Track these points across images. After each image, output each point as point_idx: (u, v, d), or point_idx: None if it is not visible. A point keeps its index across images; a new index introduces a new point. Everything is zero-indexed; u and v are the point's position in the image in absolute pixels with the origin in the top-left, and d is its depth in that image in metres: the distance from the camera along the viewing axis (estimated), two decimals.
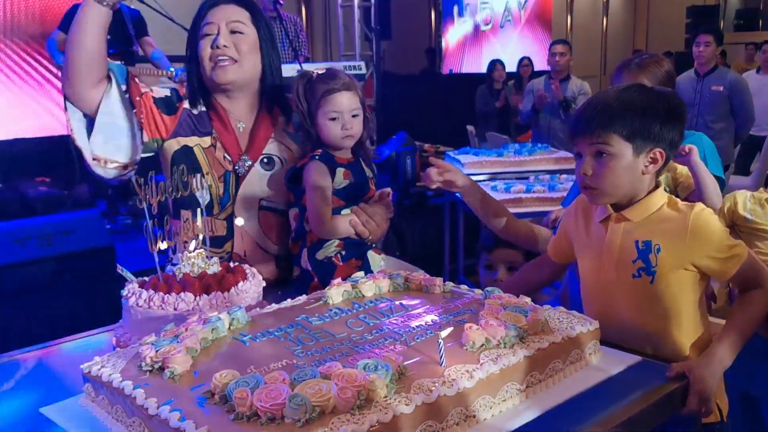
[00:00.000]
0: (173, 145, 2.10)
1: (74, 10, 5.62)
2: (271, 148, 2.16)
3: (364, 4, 8.05)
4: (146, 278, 1.74)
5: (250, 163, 2.13)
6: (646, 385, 1.40)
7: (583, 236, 1.71)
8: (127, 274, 1.73)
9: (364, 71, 6.63)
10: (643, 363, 1.47)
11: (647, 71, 2.42)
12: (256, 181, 2.13)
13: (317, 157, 1.96)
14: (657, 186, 1.62)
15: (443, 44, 11.71)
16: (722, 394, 1.67)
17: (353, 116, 1.97)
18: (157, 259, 1.70)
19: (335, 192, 1.97)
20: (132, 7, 5.58)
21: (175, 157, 2.10)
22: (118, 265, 1.76)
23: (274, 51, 2.16)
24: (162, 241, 1.71)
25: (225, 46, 2.03)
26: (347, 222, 1.97)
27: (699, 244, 1.54)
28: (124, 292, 1.67)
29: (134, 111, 2.05)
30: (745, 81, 5.46)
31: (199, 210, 1.80)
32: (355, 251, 2.01)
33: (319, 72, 1.98)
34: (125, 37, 5.50)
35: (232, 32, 2.05)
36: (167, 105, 2.12)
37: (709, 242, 1.54)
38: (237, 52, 2.05)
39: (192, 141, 2.11)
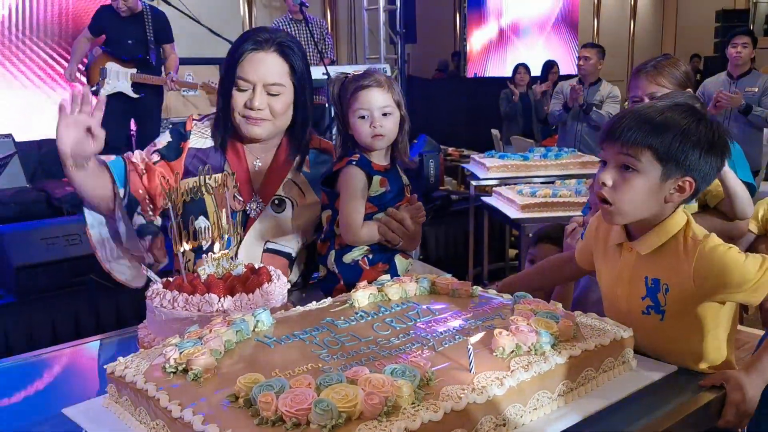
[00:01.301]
0: (181, 186, 2.00)
1: (102, 11, 5.69)
2: (284, 189, 2.10)
3: (390, 7, 8.05)
4: (171, 279, 1.73)
5: (262, 206, 2.08)
6: (682, 396, 1.36)
7: (601, 253, 1.63)
8: (152, 275, 1.72)
9: (388, 74, 6.62)
10: (679, 372, 1.42)
11: (664, 73, 2.38)
12: (265, 223, 2.08)
13: (354, 162, 1.90)
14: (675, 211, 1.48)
15: (468, 48, 11.66)
16: None
17: (384, 114, 1.89)
18: (182, 260, 1.69)
19: (370, 199, 1.91)
20: (159, 7, 5.61)
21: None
22: (143, 266, 1.75)
23: (309, 98, 2.08)
24: (186, 242, 1.70)
25: (260, 108, 1.97)
26: (374, 232, 1.92)
27: (710, 285, 1.41)
28: (148, 293, 1.65)
29: (138, 209, 2.01)
30: None
31: (224, 211, 1.79)
32: (383, 256, 1.97)
33: (356, 74, 1.93)
34: (144, 43, 5.53)
35: (269, 93, 1.98)
36: (170, 150, 2.06)
37: (722, 283, 1.40)
38: (271, 114, 2.00)
39: (202, 179, 2.00)
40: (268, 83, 1.97)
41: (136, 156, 2.06)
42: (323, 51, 6.21)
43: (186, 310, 1.58)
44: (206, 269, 1.71)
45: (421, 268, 2.10)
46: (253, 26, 9.09)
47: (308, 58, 6.86)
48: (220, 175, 2.03)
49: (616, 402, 1.29)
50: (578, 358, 1.28)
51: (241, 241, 2.07)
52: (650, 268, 1.48)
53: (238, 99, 1.98)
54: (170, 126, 2.17)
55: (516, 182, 4.66)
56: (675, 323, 1.47)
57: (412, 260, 2.08)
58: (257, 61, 1.96)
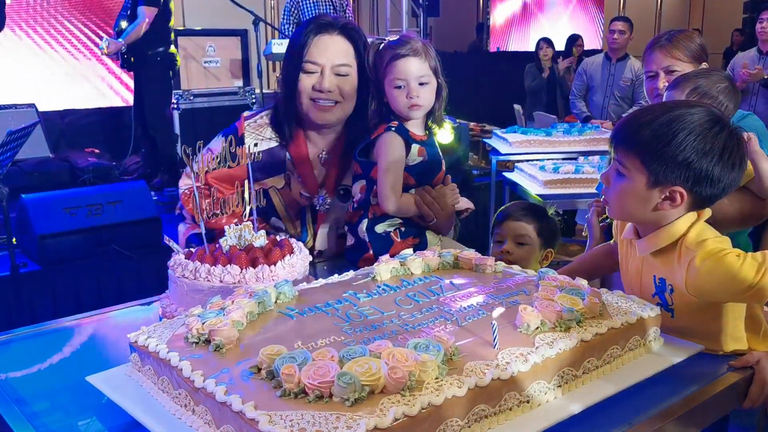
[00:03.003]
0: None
1: None
2: (348, 178, 2.09)
3: None
4: (193, 249, 1.73)
5: (329, 198, 2.08)
6: (708, 376, 1.35)
7: (621, 243, 1.61)
8: (174, 245, 1.72)
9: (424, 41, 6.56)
10: (705, 353, 1.40)
11: (680, 46, 2.33)
12: (334, 214, 2.09)
13: (393, 129, 1.87)
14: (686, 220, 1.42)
15: (491, 21, 11.50)
16: None
17: (420, 84, 1.85)
18: (203, 230, 1.69)
19: (407, 168, 1.89)
20: None
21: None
22: (165, 236, 1.75)
23: (370, 82, 2.03)
24: (209, 214, 1.70)
25: (330, 90, 1.96)
26: (412, 206, 1.91)
27: (707, 296, 1.38)
28: (171, 263, 1.66)
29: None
30: None
31: (246, 181, 1.78)
32: (415, 230, 1.96)
33: (391, 39, 1.89)
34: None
35: (337, 74, 1.97)
36: (228, 157, 2.03)
37: (719, 292, 1.37)
38: (341, 95, 1.98)
39: (266, 184, 2.01)
40: (335, 64, 1.96)
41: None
42: None
43: (208, 281, 1.58)
44: (228, 240, 1.71)
45: (450, 244, 2.08)
46: None
47: None
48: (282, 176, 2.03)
49: (642, 380, 1.27)
50: (604, 336, 1.26)
51: (315, 235, 2.10)
52: (656, 267, 1.46)
53: (306, 82, 1.97)
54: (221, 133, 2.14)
55: (538, 158, 4.61)
56: (686, 320, 1.44)
57: (443, 238, 2.06)
58: (324, 44, 1.96)
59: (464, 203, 2.10)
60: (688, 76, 2.15)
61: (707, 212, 1.43)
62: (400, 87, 1.85)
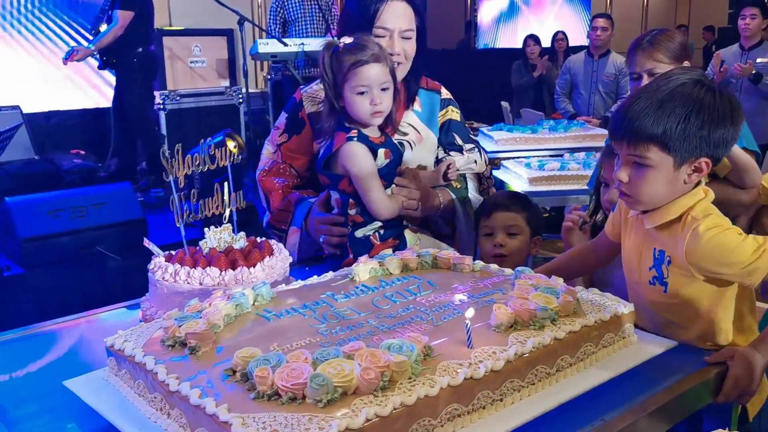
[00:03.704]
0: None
1: None
2: (401, 133, 2.17)
3: None
4: (173, 252, 1.73)
5: None
6: (682, 372, 1.36)
7: (624, 224, 1.63)
8: (154, 248, 1.72)
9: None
10: (679, 348, 1.42)
11: (660, 48, 2.38)
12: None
13: (355, 138, 1.88)
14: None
15: (478, 19, 11.51)
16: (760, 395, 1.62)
17: (383, 90, 1.87)
18: (183, 233, 1.69)
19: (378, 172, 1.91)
20: None
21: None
22: (145, 239, 1.75)
23: (425, 42, 2.18)
24: (189, 216, 1.70)
25: (398, 53, 2.08)
26: (399, 201, 1.94)
27: (701, 264, 1.42)
28: (150, 266, 1.66)
29: None
30: None
31: (225, 183, 1.78)
32: (394, 231, 1.97)
33: (347, 42, 1.90)
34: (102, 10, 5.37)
35: (403, 38, 2.09)
36: (294, 125, 2.20)
37: (713, 262, 1.41)
38: (405, 57, 2.11)
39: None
40: (402, 29, 2.09)
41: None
42: (330, 22, 6.14)
43: (187, 283, 1.58)
44: (208, 243, 1.71)
45: (430, 243, 2.09)
46: None
47: (315, 29, 6.75)
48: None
49: (616, 376, 1.28)
50: (578, 334, 1.28)
51: None
52: (658, 240, 1.49)
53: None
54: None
55: (524, 155, 4.62)
56: (677, 296, 1.47)
57: (421, 235, 2.08)
58: (393, 10, 2.08)
59: (441, 165, 2.14)
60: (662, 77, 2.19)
61: (712, 194, 1.48)
62: (362, 93, 1.86)
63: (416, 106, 2.20)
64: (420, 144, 2.18)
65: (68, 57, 5.26)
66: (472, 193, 2.24)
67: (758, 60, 5.13)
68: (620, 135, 1.44)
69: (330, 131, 1.93)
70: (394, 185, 1.96)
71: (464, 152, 2.24)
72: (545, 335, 1.23)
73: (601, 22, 5.85)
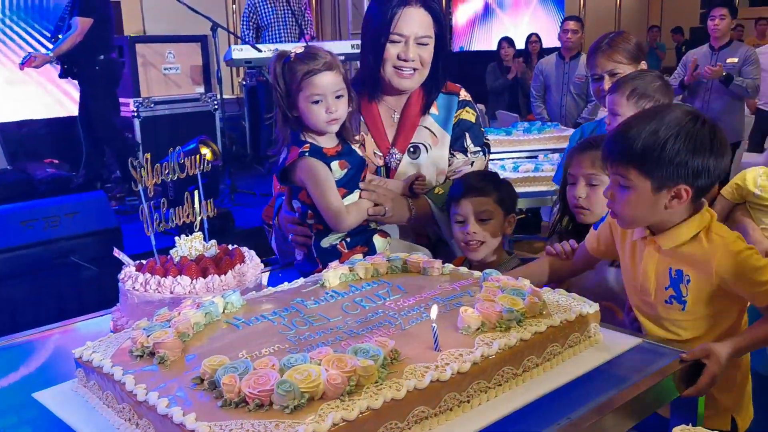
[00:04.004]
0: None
1: None
2: (417, 136, 2.19)
3: None
4: (143, 261, 1.73)
5: (399, 155, 2.18)
6: (646, 369, 1.38)
7: (624, 246, 1.66)
8: (124, 258, 1.72)
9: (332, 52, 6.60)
10: (642, 346, 1.44)
11: (618, 49, 2.47)
12: (404, 171, 2.17)
13: (307, 154, 1.87)
14: (697, 210, 1.51)
15: (453, 21, 11.58)
16: (746, 410, 1.66)
17: (337, 97, 1.87)
18: (154, 242, 1.69)
19: (336, 184, 1.90)
20: None
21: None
22: (115, 249, 1.75)
23: (446, 48, 2.20)
24: (159, 224, 1.70)
25: (413, 60, 2.10)
26: (362, 212, 1.93)
27: (730, 280, 1.47)
28: (121, 276, 1.66)
29: None
30: (757, 54, 5.35)
31: (196, 192, 1.78)
32: (361, 238, 1.97)
33: (298, 52, 1.90)
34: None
35: (419, 44, 2.10)
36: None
37: (741, 281, 1.46)
38: (420, 64, 2.12)
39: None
40: (419, 36, 2.09)
41: None
42: (304, 27, 6.15)
43: (158, 292, 1.58)
44: (179, 251, 1.72)
45: (400, 247, 2.10)
46: (235, 2, 9.00)
47: (288, 34, 6.75)
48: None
49: (581, 375, 1.31)
50: (543, 334, 1.30)
51: None
52: (675, 260, 1.52)
53: (392, 51, 2.10)
54: None
55: (499, 157, 4.66)
56: (695, 315, 1.52)
57: (391, 239, 2.08)
58: (409, 17, 2.08)
59: (412, 175, 2.14)
60: (626, 79, 2.26)
61: (715, 215, 1.55)
62: (317, 102, 1.85)
63: (433, 109, 2.23)
64: (436, 146, 2.20)
65: (24, 62, 5.20)
66: None
67: (727, 60, 5.22)
68: (606, 155, 1.51)
69: (284, 142, 1.93)
70: (359, 190, 1.96)
71: (468, 154, 2.23)
72: (511, 336, 1.25)
73: (571, 24, 5.93)
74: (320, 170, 1.87)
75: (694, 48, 5.76)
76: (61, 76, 5.41)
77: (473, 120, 2.26)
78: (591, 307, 1.40)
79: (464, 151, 2.23)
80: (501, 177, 2.13)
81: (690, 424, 1.16)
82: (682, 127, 1.42)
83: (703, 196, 1.52)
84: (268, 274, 2.25)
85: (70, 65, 5.23)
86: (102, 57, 5.23)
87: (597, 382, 1.33)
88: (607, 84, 2.45)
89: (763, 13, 10.84)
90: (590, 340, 1.40)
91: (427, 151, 2.19)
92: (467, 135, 2.23)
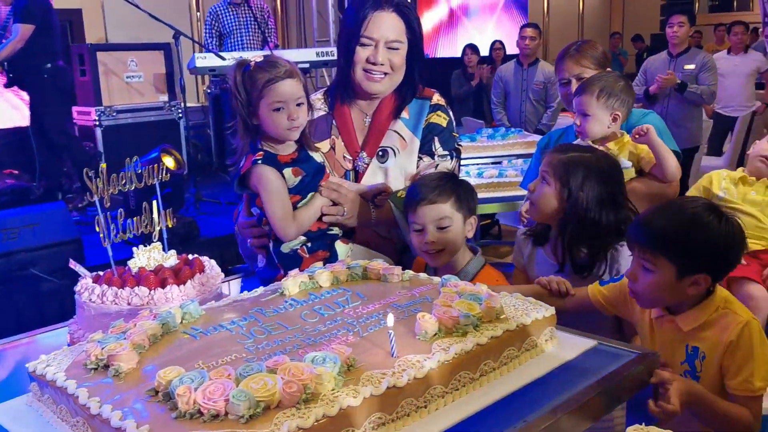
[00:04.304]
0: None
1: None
2: (386, 140, 2.19)
3: None
4: (101, 273, 1.71)
5: (368, 159, 2.18)
6: (601, 371, 1.40)
7: (641, 319, 1.72)
8: (81, 269, 1.70)
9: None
10: (598, 348, 1.47)
11: (586, 55, 2.58)
12: (373, 175, 2.17)
13: (260, 161, 1.88)
14: (709, 293, 1.59)
15: None
16: None
17: (298, 105, 1.89)
18: (111, 253, 1.67)
19: (289, 191, 1.92)
20: None
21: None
22: (71, 260, 1.73)
23: (421, 54, 2.20)
24: (116, 235, 1.69)
25: (381, 63, 2.10)
26: (312, 211, 1.94)
27: (730, 360, 1.54)
28: (77, 288, 1.64)
29: None
30: (714, 61, 5.48)
31: (154, 202, 1.77)
32: (322, 243, 1.98)
33: (257, 60, 1.91)
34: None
35: (389, 48, 2.11)
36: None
37: (738, 365, 1.53)
38: (390, 68, 2.12)
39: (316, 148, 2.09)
40: (389, 40, 2.10)
41: None
42: (268, 35, 6.14)
43: (115, 304, 1.57)
44: (137, 262, 1.70)
45: (362, 253, 2.11)
46: (199, 10, 8.95)
47: (251, 41, 6.72)
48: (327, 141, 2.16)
49: (538, 378, 1.33)
50: (500, 339, 1.31)
51: None
52: (692, 337, 1.60)
53: (362, 54, 2.11)
54: None
55: (463, 163, 4.69)
56: (708, 388, 1.56)
57: (353, 245, 2.09)
58: (380, 20, 2.09)
59: (378, 186, 2.12)
60: (591, 80, 2.32)
61: (630, 172, 1.72)
62: (279, 109, 1.87)
63: (404, 114, 2.22)
64: (404, 151, 2.20)
65: None
66: None
67: (685, 66, 5.32)
68: (635, 239, 1.60)
69: (243, 150, 1.93)
70: (319, 192, 1.97)
71: (435, 157, 2.20)
72: (468, 341, 1.27)
73: (529, 31, 6.06)
74: (270, 179, 1.88)
75: (655, 54, 5.88)
76: (6, 85, 5.33)
77: (444, 124, 2.24)
78: (547, 311, 1.42)
79: (431, 155, 2.22)
80: (460, 178, 2.09)
81: (643, 424, 1.18)
82: (707, 222, 1.53)
83: (719, 281, 1.63)
84: (239, 281, 2.25)
85: (15, 74, 5.15)
86: (49, 65, 5.16)
87: (553, 384, 1.35)
88: (574, 87, 2.54)
89: (722, 20, 11.11)
90: (547, 344, 1.42)
91: (395, 155, 2.19)
92: (436, 139, 2.23)
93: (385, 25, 2.10)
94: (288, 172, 1.90)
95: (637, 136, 2.21)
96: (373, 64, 2.10)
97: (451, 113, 2.29)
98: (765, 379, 1.53)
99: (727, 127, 6.60)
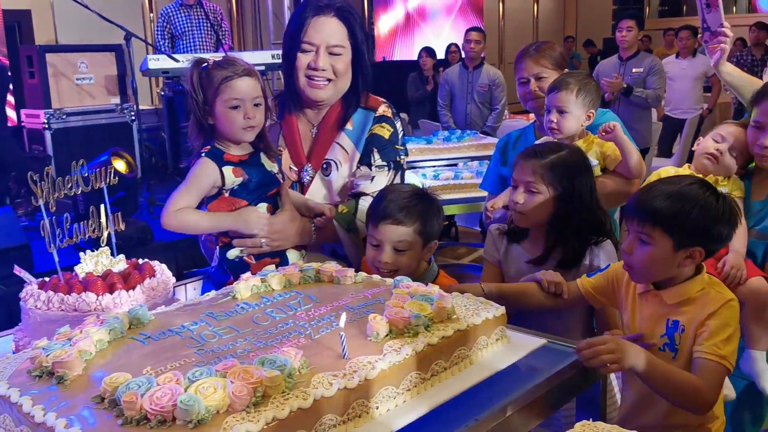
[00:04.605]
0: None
1: None
2: (330, 152, 2.16)
3: None
4: (47, 279, 1.67)
5: (313, 171, 2.15)
6: (551, 368, 1.43)
7: (627, 298, 1.75)
8: (26, 275, 1.66)
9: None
10: (547, 346, 1.49)
11: (545, 55, 2.58)
12: (317, 188, 2.14)
13: (204, 154, 1.87)
14: (698, 272, 1.64)
15: (375, 32, 11.68)
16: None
17: (255, 105, 1.86)
18: (56, 259, 1.64)
19: (232, 192, 1.89)
20: None
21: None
22: (16, 266, 1.68)
23: (365, 61, 2.16)
24: (62, 240, 1.65)
25: (323, 69, 2.07)
26: (208, 222, 1.89)
27: (707, 325, 1.57)
28: (22, 294, 1.60)
29: None
30: (662, 64, 5.62)
31: (102, 206, 1.74)
32: (270, 252, 1.95)
33: (216, 60, 1.89)
34: None
35: (331, 54, 2.07)
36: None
37: (714, 328, 1.56)
38: (333, 73, 2.08)
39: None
40: (330, 45, 2.07)
41: None
42: (222, 37, 6.08)
43: (62, 310, 1.54)
44: (84, 267, 1.67)
45: (315, 259, 2.09)
46: (152, 11, 8.82)
47: (204, 43, 6.63)
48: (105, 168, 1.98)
49: (488, 377, 1.34)
50: (451, 338, 1.32)
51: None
52: (674, 312, 1.63)
53: (303, 60, 2.07)
54: None
55: (421, 165, 4.72)
56: (684, 363, 1.59)
57: (305, 252, 2.07)
58: (320, 25, 2.06)
59: (323, 207, 2.07)
60: (567, 79, 2.35)
61: (596, 170, 1.69)
62: (236, 107, 1.84)
63: (349, 125, 2.17)
64: (346, 163, 2.16)
65: None
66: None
67: (633, 70, 5.45)
68: (633, 212, 1.63)
69: (197, 151, 1.90)
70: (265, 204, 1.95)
71: (372, 168, 2.15)
72: (419, 342, 1.27)
73: (473, 35, 6.19)
74: (201, 170, 1.86)
75: (607, 58, 6.00)
76: None
77: (387, 136, 2.19)
78: (498, 311, 1.44)
79: (369, 166, 2.16)
80: (431, 197, 1.97)
81: (590, 419, 1.21)
82: (705, 198, 1.58)
83: (711, 257, 1.68)
84: (194, 285, 2.22)
85: None
86: None
87: (504, 382, 1.37)
88: (533, 86, 2.57)
89: (672, 24, 11.40)
90: (497, 343, 1.44)
91: (337, 168, 2.15)
92: (375, 150, 2.16)
93: (326, 30, 2.06)
94: (228, 170, 1.87)
95: (604, 133, 2.23)
96: (315, 69, 2.06)
97: (398, 124, 2.23)
98: (732, 354, 1.55)
99: (676, 129, 6.77)
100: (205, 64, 1.88)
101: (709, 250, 1.61)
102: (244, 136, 1.88)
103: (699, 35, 2.67)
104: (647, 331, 1.66)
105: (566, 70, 2.66)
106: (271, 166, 1.97)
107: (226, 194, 1.90)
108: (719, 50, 2.39)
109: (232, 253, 1.91)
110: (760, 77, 4.18)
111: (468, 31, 6.36)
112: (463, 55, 6.44)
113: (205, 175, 1.86)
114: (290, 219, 1.97)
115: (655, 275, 1.64)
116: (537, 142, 2.45)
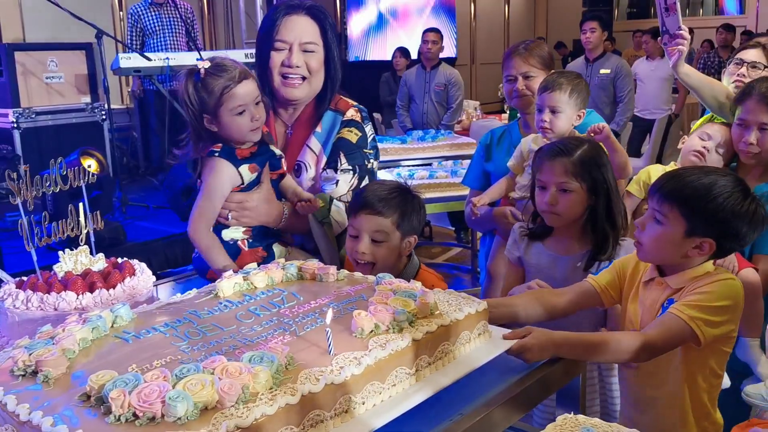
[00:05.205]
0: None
1: None
2: (301, 155, 2.16)
3: None
4: (25, 278, 1.65)
5: (285, 174, 2.12)
6: (531, 365, 1.45)
7: (630, 290, 1.74)
8: (3, 275, 1.64)
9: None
10: None
11: (534, 54, 2.60)
12: (290, 189, 2.11)
13: (217, 153, 1.87)
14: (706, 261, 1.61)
15: (348, 31, 11.67)
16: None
17: (257, 104, 1.91)
18: (35, 258, 1.62)
19: (247, 187, 1.93)
20: None
21: None
22: None
23: (335, 61, 2.18)
24: (40, 239, 1.63)
25: (297, 66, 2.08)
26: (218, 255, 1.91)
27: (690, 289, 1.58)
28: (0, 294, 1.58)
29: None
30: (628, 66, 5.73)
31: (81, 205, 1.72)
32: (262, 242, 1.98)
33: (206, 66, 1.89)
34: None
35: (304, 51, 2.09)
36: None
37: (694, 295, 1.56)
38: (308, 71, 2.10)
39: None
40: (303, 42, 2.09)
41: None
42: (195, 37, 6.04)
43: (41, 310, 1.52)
44: (64, 266, 1.65)
45: (298, 257, 2.09)
46: (122, 9, 8.72)
47: (175, 41, 6.60)
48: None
49: (471, 372, 1.36)
50: (434, 334, 1.34)
51: None
52: (674, 294, 1.63)
53: (276, 59, 2.09)
54: None
55: (395, 165, 4.74)
56: None
57: (291, 248, 2.08)
58: (292, 23, 2.09)
59: (309, 196, 2.07)
60: (559, 79, 2.37)
61: None
62: (242, 113, 1.87)
63: (318, 128, 2.19)
64: (315, 166, 2.17)
65: None
66: (342, 215, 2.13)
67: (600, 71, 5.53)
68: (658, 188, 1.61)
69: (201, 163, 1.92)
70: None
71: (338, 172, 2.15)
72: (404, 337, 1.29)
73: (431, 36, 6.31)
74: (222, 175, 1.88)
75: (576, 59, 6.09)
76: None
77: (354, 140, 2.19)
78: (480, 305, 1.46)
79: (335, 169, 2.17)
80: (413, 193, 1.97)
81: (572, 413, 1.23)
82: (734, 191, 1.55)
83: (720, 257, 1.65)
84: (171, 285, 2.21)
85: None
86: None
87: (487, 377, 1.39)
88: (520, 85, 2.59)
89: (640, 26, 11.59)
90: (480, 337, 1.46)
91: (307, 170, 2.17)
92: (342, 154, 2.17)
93: (298, 28, 2.09)
94: (245, 169, 1.91)
95: (593, 134, 2.27)
96: (289, 66, 2.08)
97: (367, 129, 2.23)
98: (708, 324, 1.52)
99: (645, 129, 6.89)
100: (197, 74, 1.88)
101: (721, 245, 1.58)
102: (253, 137, 1.92)
103: (659, 38, 2.72)
104: (650, 317, 1.65)
105: (552, 71, 2.68)
106: (274, 151, 2.01)
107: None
108: (677, 52, 2.46)
109: (227, 234, 1.94)
110: None
111: (425, 32, 6.48)
112: (447, 55, 6.55)
113: (224, 180, 1.88)
114: (265, 199, 2.00)
115: (661, 256, 1.63)
116: (531, 136, 2.46)
